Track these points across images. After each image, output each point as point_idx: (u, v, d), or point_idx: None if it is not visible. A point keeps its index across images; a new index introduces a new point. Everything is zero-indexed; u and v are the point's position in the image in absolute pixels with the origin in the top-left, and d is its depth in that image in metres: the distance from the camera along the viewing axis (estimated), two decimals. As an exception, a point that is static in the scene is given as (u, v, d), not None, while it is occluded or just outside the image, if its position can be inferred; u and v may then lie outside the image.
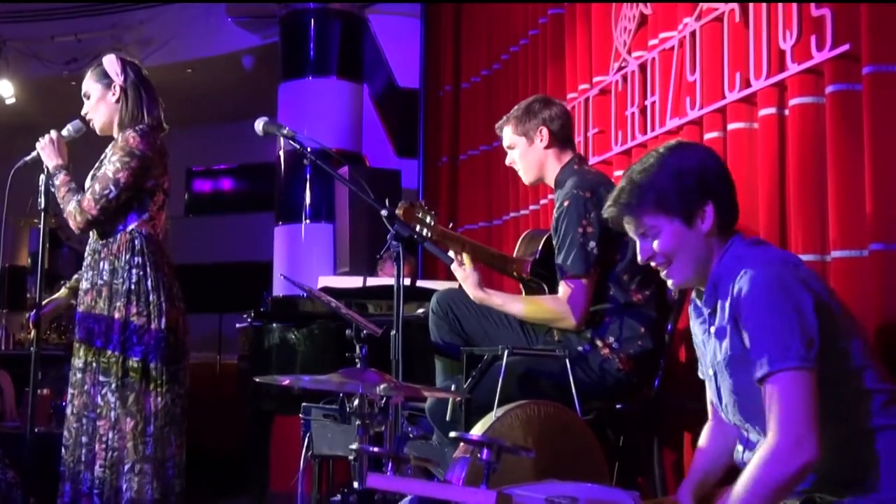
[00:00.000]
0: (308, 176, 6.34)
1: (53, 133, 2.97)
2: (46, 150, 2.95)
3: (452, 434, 1.50)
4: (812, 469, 1.56)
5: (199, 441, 3.27)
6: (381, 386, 1.69)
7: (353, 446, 1.60)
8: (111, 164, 2.86)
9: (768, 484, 1.55)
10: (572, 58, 4.23)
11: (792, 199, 2.69)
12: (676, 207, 1.73)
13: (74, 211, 2.88)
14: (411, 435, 2.68)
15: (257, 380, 2.02)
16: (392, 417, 1.91)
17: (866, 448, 1.63)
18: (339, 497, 1.62)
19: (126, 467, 2.81)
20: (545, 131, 2.87)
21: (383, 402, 1.87)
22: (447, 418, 2.53)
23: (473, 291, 2.73)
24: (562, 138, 2.90)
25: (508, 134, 2.93)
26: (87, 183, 2.96)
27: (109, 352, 2.85)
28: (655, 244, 1.76)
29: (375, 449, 1.60)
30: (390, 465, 1.46)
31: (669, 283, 1.80)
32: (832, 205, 2.53)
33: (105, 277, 2.91)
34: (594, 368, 2.67)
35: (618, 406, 2.73)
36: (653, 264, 1.80)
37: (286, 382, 1.91)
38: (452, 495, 1.34)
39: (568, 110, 3.01)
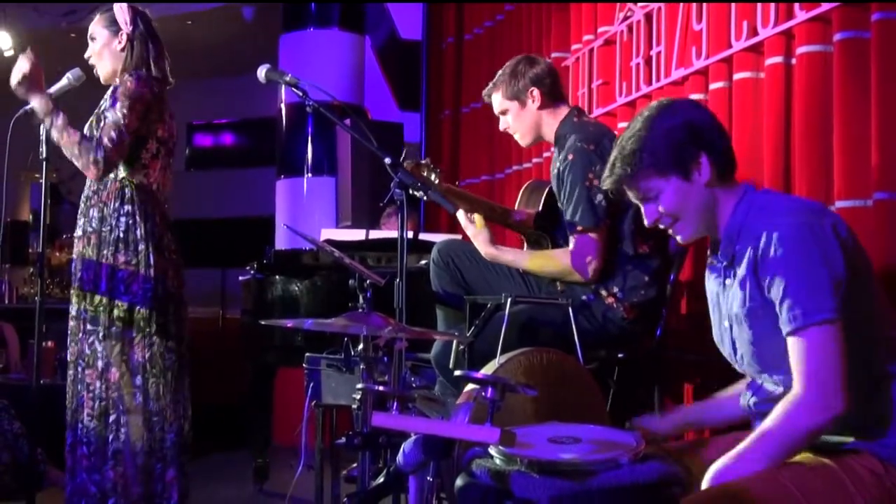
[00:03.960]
0: (310, 129, 6.31)
1: (22, 60, 2.80)
2: (25, 86, 2.80)
3: (457, 372, 1.51)
4: (840, 421, 1.58)
5: (202, 395, 3.29)
6: (386, 328, 1.70)
7: (359, 386, 1.61)
8: (116, 112, 2.82)
9: (795, 432, 1.58)
10: (577, 8, 4.18)
11: (797, 149, 2.68)
12: (671, 165, 1.72)
13: (99, 159, 2.79)
14: (414, 385, 2.70)
15: (263, 322, 2.02)
16: (396, 361, 1.92)
17: (878, 394, 1.64)
18: (343, 440, 1.64)
19: (112, 417, 2.81)
20: (536, 92, 2.81)
21: (386, 347, 1.88)
22: (450, 366, 2.55)
23: (485, 248, 2.72)
24: (553, 95, 2.84)
25: (498, 100, 2.87)
26: (85, 130, 2.92)
27: (97, 300, 2.84)
28: (660, 206, 1.75)
29: (381, 388, 1.61)
30: (395, 405, 1.48)
31: (679, 238, 1.79)
32: (837, 154, 2.52)
33: (94, 225, 2.89)
34: (597, 317, 2.68)
35: (619, 356, 2.74)
36: (661, 226, 1.79)
37: (290, 325, 1.92)
38: (457, 433, 1.35)
39: (553, 66, 2.95)
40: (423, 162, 2.78)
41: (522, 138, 2.91)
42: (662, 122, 1.73)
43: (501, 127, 2.94)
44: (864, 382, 1.62)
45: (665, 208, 1.74)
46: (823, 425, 1.57)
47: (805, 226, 1.62)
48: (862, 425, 1.62)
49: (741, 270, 1.69)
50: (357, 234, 4.39)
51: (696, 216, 1.75)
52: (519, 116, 2.85)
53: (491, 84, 2.89)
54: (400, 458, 1.45)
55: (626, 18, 3.69)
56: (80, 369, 2.86)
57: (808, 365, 1.58)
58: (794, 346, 1.60)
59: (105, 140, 2.81)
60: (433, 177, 2.75)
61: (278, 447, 4.60)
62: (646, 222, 1.80)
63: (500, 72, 2.89)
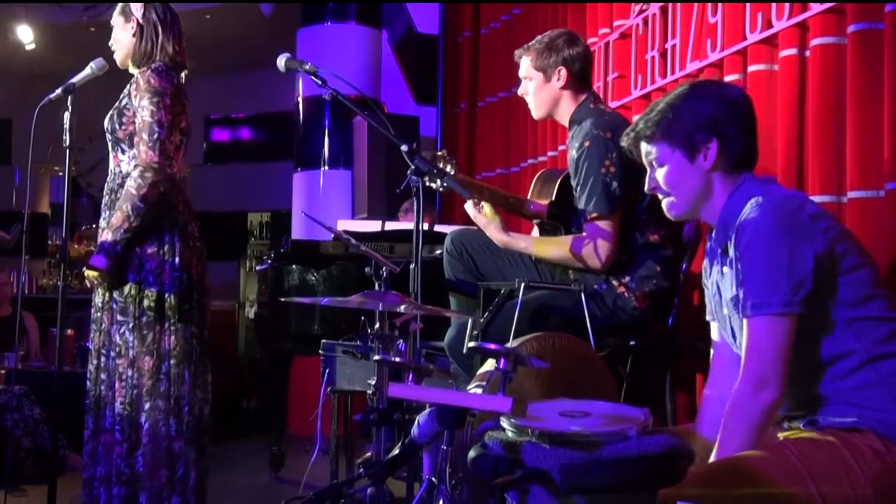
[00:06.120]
0: (327, 122, 6.36)
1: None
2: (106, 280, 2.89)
3: (471, 344, 1.54)
4: (779, 405, 1.65)
5: (219, 386, 3.31)
6: (402, 306, 1.73)
7: (376, 357, 1.64)
8: (144, 110, 2.86)
9: (741, 427, 1.64)
10: (593, 2, 4.21)
11: (810, 141, 2.70)
12: (680, 142, 1.78)
13: (140, 179, 2.81)
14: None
15: (281, 300, 2.06)
16: (411, 339, 1.95)
17: (871, 374, 1.67)
18: (360, 416, 1.67)
19: (146, 405, 2.86)
20: (564, 72, 2.84)
21: (402, 328, 1.91)
22: (464, 352, 2.58)
23: (498, 236, 2.75)
24: (579, 80, 2.87)
25: (526, 65, 2.89)
26: (105, 124, 2.98)
27: (126, 290, 2.88)
28: (659, 174, 1.80)
29: (397, 359, 1.65)
30: (410, 377, 1.51)
31: (669, 213, 1.86)
32: (850, 146, 2.54)
33: None
34: (608, 305, 2.70)
35: (631, 342, 2.77)
36: (659, 195, 1.85)
37: (307, 302, 1.95)
38: (471, 402, 1.39)
39: (589, 51, 2.99)
40: (439, 153, 2.82)
41: (535, 110, 2.93)
42: (692, 101, 1.78)
43: (520, 91, 2.96)
44: (857, 363, 1.66)
45: (662, 179, 1.81)
46: (762, 413, 1.63)
47: (774, 216, 1.67)
48: (855, 403, 1.65)
49: (730, 258, 1.74)
50: (373, 226, 4.43)
51: (688, 197, 1.81)
52: (540, 89, 2.88)
53: (525, 46, 2.91)
54: (415, 430, 1.49)
55: (641, 12, 3.71)
56: (107, 359, 2.90)
57: (747, 354, 1.65)
58: (744, 332, 1.67)
59: (143, 150, 2.84)
60: (449, 168, 2.78)
61: (293, 436, 4.66)
62: (646, 186, 1.86)
63: (538, 37, 2.92)
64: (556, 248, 2.77)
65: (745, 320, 1.66)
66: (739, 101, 1.82)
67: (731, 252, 1.74)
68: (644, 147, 1.83)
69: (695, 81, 1.88)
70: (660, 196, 1.86)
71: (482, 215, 2.76)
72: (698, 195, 1.80)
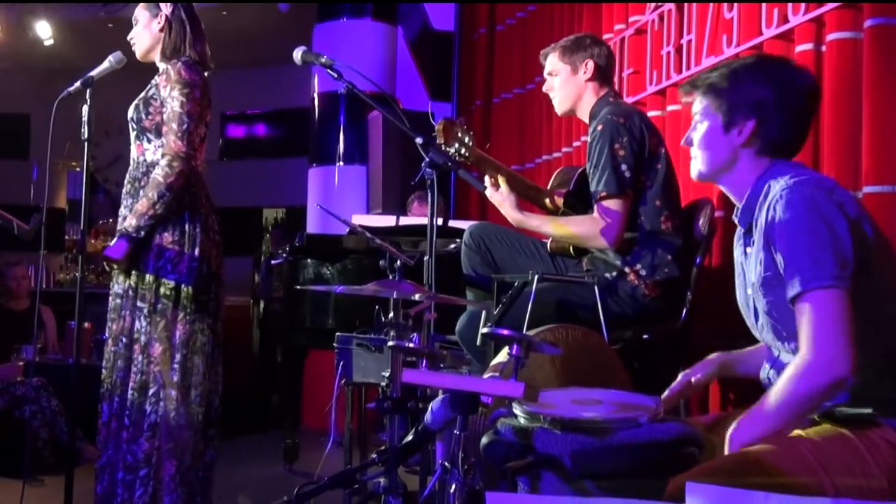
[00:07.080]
0: (342, 118, 6.38)
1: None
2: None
3: (484, 329, 1.56)
4: (844, 385, 1.59)
5: (234, 381, 3.31)
6: (417, 294, 1.74)
7: (390, 343, 1.66)
8: (174, 101, 2.89)
9: (798, 397, 1.59)
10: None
11: (826, 135, 2.70)
12: (722, 110, 1.78)
13: (168, 168, 2.85)
14: (441, 366, 2.74)
15: (297, 291, 2.08)
16: (425, 328, 1.97)
17: (888, 368, 1.65)
18: (373, 404, 1.69)
19: (151, 391, 2.87)
20: (591, 64, 2.91)
21: (416, 319, 1.93)
22: (477, 343, 2.60)
23: (511, 213, 2.78)
24: (604, 75, 2.94)
25: (553, 60, 2.97)
26: (130, 113, 3.01)
27: (146, 278, 2.91)
28: (696, 130, 1.83)
29: (411, 345, 1.66)
30: (424, 363, 1.52)
31: (692, 171, 1.86)
32: (866, 140, 2.53)
33: None
34: (620, 295, 2.72)
35: (645, 336, 2.77)
36: (690, 149, 1.86)
37: (322, 289, 1.97)
38: (484, 387, 1.40)
39: (612, 52, 3.05)
40: (456, 121, 2.82)
41: (560, 104, 2.99)
42: (754, 74, 1.77)
43: (545, 88, 3.03)
44: (887, 356, 1.64)
45: (696, 137, 1.82)
46: (826, 388, 1.58)
47: (808, 197, 1.64)
48: (879, 398, 1.64)
49: (757, 240, 1.73)
50: (388, 221, 4.45)
51: (711, 162, 1.81)
52: (566, 82, 2.94)
53: (552, 45, 3.00)
54: (428, 416, 1.50)
55: (657, 7, 3.71)
56: (121, 345, 2.93)
57: (809, 329, 1.59)
58: (798, 312, 1.63)
59: (172, 139, 2.88)
60: (466, 139, 2.80)
61: (306, 430, 4.68)
62: (683, 140, 1.88)
63: (565, 38, 3.02)
64: (568, 226, 2.80)
65: (797, 303, 1.62)
66: (799, 88, 1.77)
67: (756, 233, 1.73)
68: (694, 96, 1.83)
69: (766, 57, 1.87)
70: (690, 149, 1.86)
71: (497, 193, 2.78)
72: (722, 164, 1.80)
